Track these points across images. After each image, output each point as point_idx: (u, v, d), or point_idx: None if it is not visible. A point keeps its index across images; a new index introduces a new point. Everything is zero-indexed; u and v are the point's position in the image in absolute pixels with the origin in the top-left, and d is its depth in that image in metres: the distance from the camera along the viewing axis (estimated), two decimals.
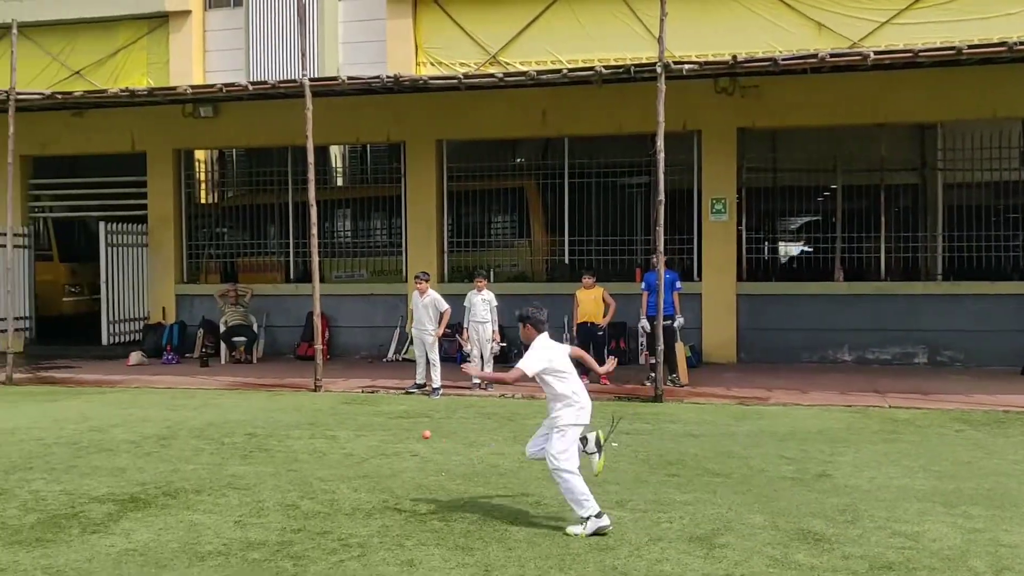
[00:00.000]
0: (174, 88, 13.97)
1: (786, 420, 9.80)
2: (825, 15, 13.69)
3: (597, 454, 6.15)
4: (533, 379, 5.90)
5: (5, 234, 13.97)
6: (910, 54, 11.46)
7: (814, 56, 11.73)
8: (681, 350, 12.61)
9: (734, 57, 11.75)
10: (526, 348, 6.07)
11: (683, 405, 10.89)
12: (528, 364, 5.88)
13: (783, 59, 11.76)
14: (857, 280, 14.70)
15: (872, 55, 11.38)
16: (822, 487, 6.93)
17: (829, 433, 9.05)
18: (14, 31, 13.59)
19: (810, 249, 15.62)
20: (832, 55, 11.72)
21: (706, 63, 11.99)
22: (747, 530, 5.84)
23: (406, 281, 15.42)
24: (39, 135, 16.39)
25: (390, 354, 15.51)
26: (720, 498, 6.58)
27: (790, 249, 19.97)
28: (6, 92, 13.41)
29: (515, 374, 5.95)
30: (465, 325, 12.29)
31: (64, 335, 17.47)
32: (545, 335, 6.07)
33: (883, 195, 14.77)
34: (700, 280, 14.74)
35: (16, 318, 14.58)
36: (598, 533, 5.66)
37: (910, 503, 6.45)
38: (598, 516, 5.69)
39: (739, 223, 14.94)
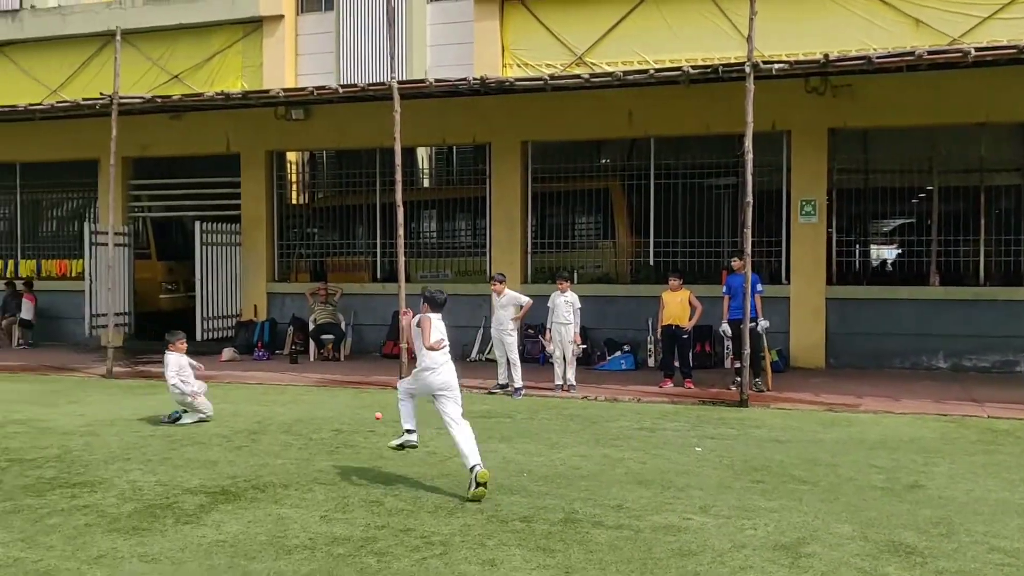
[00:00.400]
0: (267, 91, 14.33)
1: (877, 428, 9.54)
2: (923, 11, 13.27)
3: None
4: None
5: (107, 233, 14.51)
6: (1014, 50, 11.01)
7: (911, 54, 11.37)
8: (767, 355, 12.38)
9: (826, 56, 11.48)
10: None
11: (769, 411, 10.69)
12: (426, 336, 7.03)
13: (878, 57, 11.43)
14: (954, 285, 14.19)
15: (973, 52, 10.96)
16: (914, 498, 6.72)
17: (922, 442, 8.77)
18: (118, 38, 14.13)
19: (904, 252, 15.14)
20: (930, 52, 11.34)
21: (797, 62, 11.74)
22: (834, 540, 5.70)
23: (490, 281, 15.48)
24: (139, 138, 17.01)
25: (473, 354, 15.62)
26: (806, 506, 6.44)
27: (883, 252, 19.40)
28: (109, 96, 13.96)
29: (415, 339, 7.23)
30: (548, 326, 12.30)
31: (161, 331, 18.02)
32: (429, 312, 7.15)
33: (983, 196, 14.24)
34: (788, 283, 14.45)
35: (116, 314, 15.12)
36: (400, 447, 7.43)
37: (1010, 518, 6.20)
38: (409, 432, 7.37)
39: (829, 225, 14.59)
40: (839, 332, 14.33)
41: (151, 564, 5.29)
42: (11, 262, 19.18)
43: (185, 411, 9.85)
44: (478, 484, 6.56)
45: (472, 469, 6.64)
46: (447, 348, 7.10)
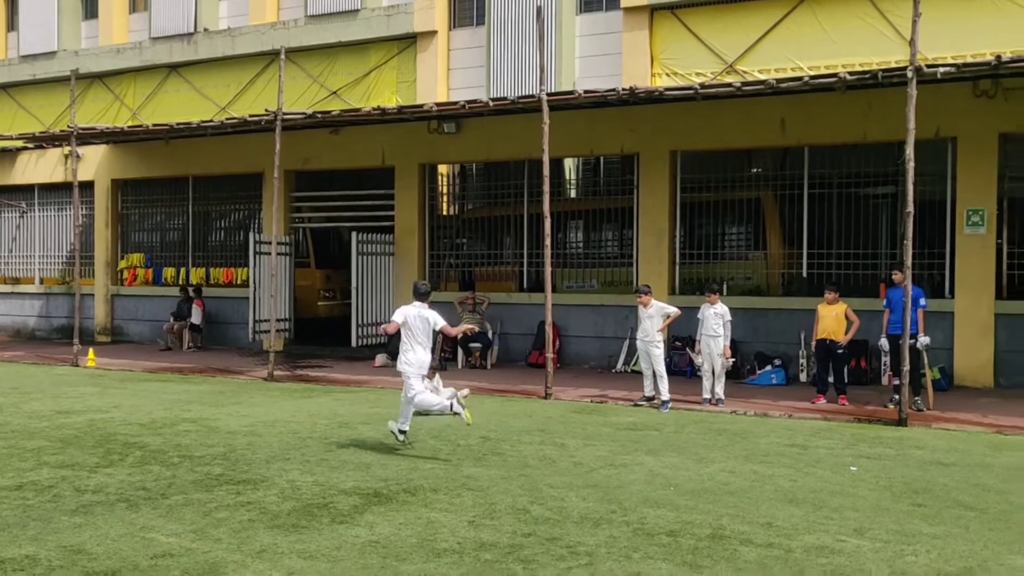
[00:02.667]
0: (421, 106, 14.73)
1: None
2: None
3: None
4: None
5: (270, 243, 15.24)
6: None
7: None
8: (928, 372, 11.79)
9: (997, 57, 10.87)
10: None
11: (931, 431, 10.18)
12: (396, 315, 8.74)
13: None
14: None
15: None
16: None
17: None
18: (282, 57, 14.87)
19: None
20: None
21: (964, 65, 11.18)
22: (1006, 572, 5.38)
23: (635, 293, 15.40)
24: (301, 152, 17.83)
25: (619, 365, 15.55)
26: (973, 534, 6.10)
27: None
28: (273, 113, 14.69)
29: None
30: (697, 338, 12.11)
31: (318, 336, 18.84)
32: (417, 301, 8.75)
33: None
34: (952, 298, 13.72)
35: (278, 320, 15.85)
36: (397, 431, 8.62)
37: None
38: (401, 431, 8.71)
39: (999, 236, 13.76)
40: (1010, 350, 13.47)
41: (309, 561, 5.53)
42: (183, 270, 20.42)
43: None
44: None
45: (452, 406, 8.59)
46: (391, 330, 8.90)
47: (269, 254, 15.58)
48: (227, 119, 16.59)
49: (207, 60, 19.05)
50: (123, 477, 7.61)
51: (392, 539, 5.95)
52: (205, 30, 19.18)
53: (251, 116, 15.83)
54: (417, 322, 8.68)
